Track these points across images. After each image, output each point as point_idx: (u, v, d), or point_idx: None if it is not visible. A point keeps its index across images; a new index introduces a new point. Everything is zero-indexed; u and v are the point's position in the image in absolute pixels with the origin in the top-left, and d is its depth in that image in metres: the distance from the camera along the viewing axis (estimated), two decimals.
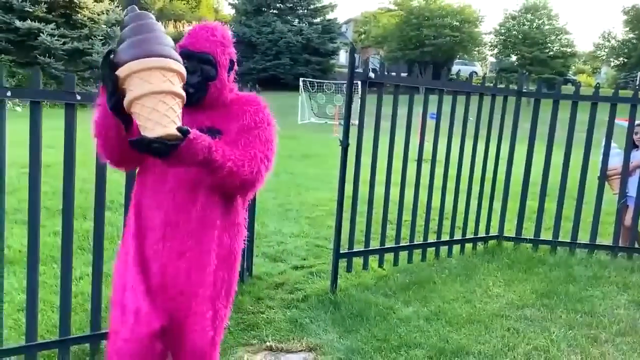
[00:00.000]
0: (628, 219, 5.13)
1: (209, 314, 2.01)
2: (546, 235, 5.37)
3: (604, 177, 5.19)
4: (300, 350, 3.27)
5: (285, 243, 5.43)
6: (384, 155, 4.46)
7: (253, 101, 2.06)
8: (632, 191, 5.10)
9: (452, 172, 4.86)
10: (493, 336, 3.41)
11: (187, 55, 1.94)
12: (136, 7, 1.76)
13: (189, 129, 1.69)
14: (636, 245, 5.18)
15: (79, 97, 2.82)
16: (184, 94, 1.70)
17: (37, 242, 2.85)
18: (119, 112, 1.70)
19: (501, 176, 5.23)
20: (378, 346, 3.27)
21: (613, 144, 5.21)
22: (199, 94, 1.95)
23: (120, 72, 1.64)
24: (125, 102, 1.65)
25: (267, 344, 3.31)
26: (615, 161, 5.16)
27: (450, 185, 4.90)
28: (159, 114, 1.63)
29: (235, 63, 2.09)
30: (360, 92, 4.36)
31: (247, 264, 4.43)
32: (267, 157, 1.96)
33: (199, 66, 1.95)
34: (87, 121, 1.96)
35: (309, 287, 4.29)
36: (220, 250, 2.01)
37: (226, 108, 2.02)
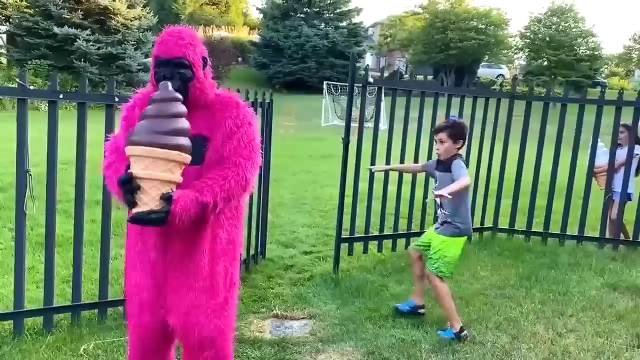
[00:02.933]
0: (613, 213, 5.53)
1: (211, 304, 2.14)
2: (538, 227, 5.78)
3: (591, 174, 5.59)
4: (302, 318, 3.79)
5: (297, 232, 5.98)
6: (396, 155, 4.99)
7: (233, 104, 2.15)
8: (617, 187, 5.49)
9: None
10: (471, 309, 3.87)
11: (162, 63, 2.05)
12: (169, 85, 1.89)
13: (171, 195, 1.83)
14: (622, 237, 5.56)
15: (117, 99, 3.41)
16: (180, 179, 1.86)
17: (82, 227, 3.45)
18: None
19: (495, 174, 5.68)
20: (369, 315, 3.77)
21: (600, 143, 5.60)
22: (180, 93, 1.97)
23: (130, 150, 1.82)
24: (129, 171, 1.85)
25: (274, 312, 3.84)
26: (602, 159, 5.56)
27: None
28: (150, 196, 1.82)
29: (208, 60, 2.18)
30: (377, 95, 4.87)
31: (261, 249, 4.99)
32: (250, 159, 2.08)
33: (175, 71, 2.04)
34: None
35: (315, 269, 4.82)
36: (218, 244, 2.15)
37: (209, 110, 2.12)
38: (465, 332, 3.43)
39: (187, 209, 1.87)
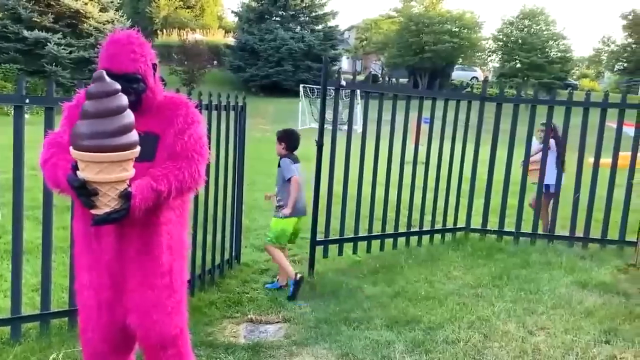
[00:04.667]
0: (545, 204, 5.88)
1: (171, 301, 2.15)
2: (510, 227, 5.87)
3: (526, 169, 5.83)
4: (277, 322, 3.78)
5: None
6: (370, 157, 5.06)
7: (183, 104, 2.19)
8: (547, 179, 5.79)
9: (421, 170, 5.40)
10: (444, 309, 3.91)
11: (114, 78, 1.93)
12: (104, 74, 1.78)
13: (129, 191, 1.84)
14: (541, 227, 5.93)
15: None
16: (134, 173, 1.84)
17: (50, 234, 3.39)
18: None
19: (467, 175, 5.76)
20: (344, 317, 3.77)
21: (534, 139, 5.85)
22: (134, 107, 1.96)
23: (81, 156, 1.74)
24: (80, 175, 1.78)
25: (249, 316, 3.82)
26: (537, 155, 5.88)
27: (419, 182, 5.43)
28: (110, 197, 1.82)
29: (157, 64, 2.17)
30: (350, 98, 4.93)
31: (236, 253, 4.96)
32: (201, 154, 2.12)
33: (129, 86, 2.00)
34: None
35: None
36: (172, 242, 2.16)
37: (159, 110, 2.14)
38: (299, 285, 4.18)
39: (146, 199, 1.91)
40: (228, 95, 4.52)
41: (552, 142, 5.88)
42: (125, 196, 1.84)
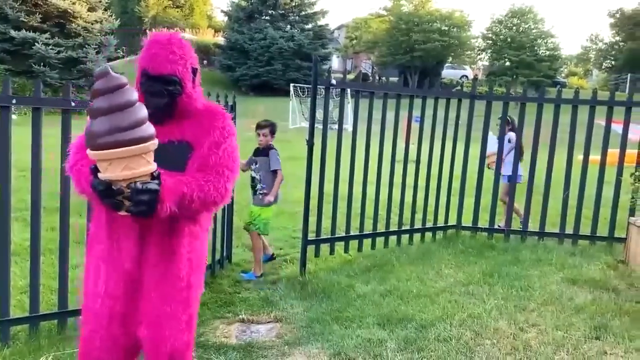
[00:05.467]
0: (503, 195, 6.03)
1: (184, 316, 2.08)
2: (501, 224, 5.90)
3: (484, 161, 5.91)
4: (268, 322, 3.76)
5: (265, 235, 5.92)
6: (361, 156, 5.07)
7: (221, 115, 2.11)
8: (505, 170, 5.91)
9: (411, 168, 5.40)
10: (436, 307, 3.92)
11: (151, 78, 1.95)
12: (109, 68, 1.71)
13: (159, 172, 1.78)
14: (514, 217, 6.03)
15: (73, 104, 3.33)
16: (155, 166, 1.76)
17: (39, 236, 3.35)
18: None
19: (457, 173, 5.78)
20: (336, 316, 3.77)
21: (490, 133, 5.96)
22: (168, 110, 1.97)
23: (102, 155, 1.67)
24: (103, 176, 1.71)
25: (240, 317, 3.80)
26: (493, 148, 5.99)
27: (410, 180, 5.43)
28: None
29: (198, 68, 2.11)
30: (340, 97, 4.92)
31: (227, 253, 4.94)
32: (232, 170, 2.05)
33: (164, 88, 1.96)
34: (81, 127, 2.11)
35: (282, 271, 4.81)
36: (193, 255, 2.09)
37: (197, 118, 2.07)
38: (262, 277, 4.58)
39: (174, 193, 1.82)
40: (217, 94, 4.50)
41: (512, 135, 6.07)
42: (157, 177, 1.75)
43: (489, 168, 6.04)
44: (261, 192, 4.63)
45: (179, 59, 1.98)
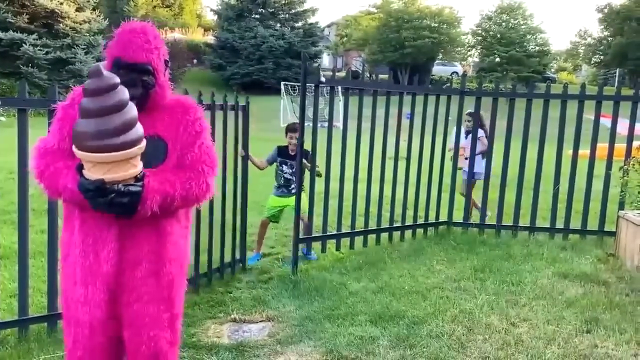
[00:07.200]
0: (463, 188, 6.08)
1: (167, 316, 2.06)
2: (492, 220, 5.91)
3: (456, 156, 5.93)
4: (260, 321, 3.75)
5: (256, 234, 5.89)
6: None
7: (192, 108, 2.09)
8: (466, 166, 5.98)
9: (402, 165, 5.40)
10: (428, 303, 3.92)
11: (124, 67, 1.91)
12: (101, 67, 1.68)
13: (144, 173, 1.82)
14: (474, 211, 6.17)
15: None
16: (141, 167, 1.80)
17: (27, 238, 3.31)
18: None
19: (448, 169, 5.79)
20: (328, 314, 3.76)
21: (462, 129, 6.05)
22: (141, 102, 1.93)
23: (87, 157, 1.66)
24: (87, 175, 1.72)
25: (232, 316, 3.78)
26: (462, 142, 6.07)
27: (401, 177, 5.43)
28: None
29: (169, 61, 2.09)
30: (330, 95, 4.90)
31: (241, 257, 4.86)
32: (211, 166, 2.05)
33: (139, 77, 1.93)
34: (38, 127, 2.15)
35: (274, 270, 4.78)
36: (175, 254, 2.07)
37: (167, 113, 2.04)
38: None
39: (157, 192, 1.84)
40: (225, 95, 4.45)
41: (482, 132, 6.10)
42: (141, 179, 1.79)
43: (450, 160, 6.01)
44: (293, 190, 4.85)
45: (154, 49, 1.97)
